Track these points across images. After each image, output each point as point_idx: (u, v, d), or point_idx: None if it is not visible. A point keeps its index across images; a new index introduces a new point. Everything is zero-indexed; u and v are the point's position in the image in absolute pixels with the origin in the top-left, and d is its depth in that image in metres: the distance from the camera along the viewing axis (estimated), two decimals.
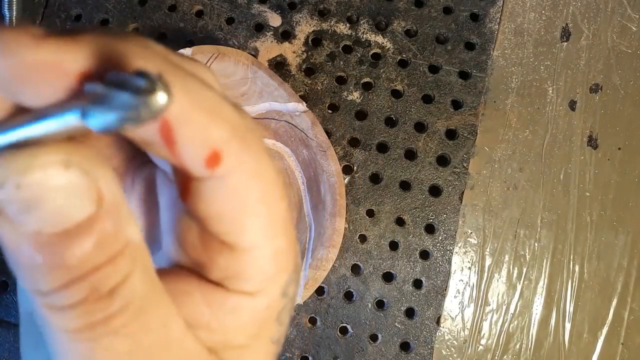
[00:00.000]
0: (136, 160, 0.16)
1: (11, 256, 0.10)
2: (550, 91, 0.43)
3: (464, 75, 0.43)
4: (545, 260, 0.41)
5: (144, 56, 0.11)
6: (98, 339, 0.11)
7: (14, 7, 0.44)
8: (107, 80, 0.10)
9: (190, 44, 0.43)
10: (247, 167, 0.12)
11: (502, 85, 0.43)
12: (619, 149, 0.42)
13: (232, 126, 0.12)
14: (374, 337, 0.40)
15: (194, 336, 0.13)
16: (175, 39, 0.44)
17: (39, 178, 0.10)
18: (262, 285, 0.14)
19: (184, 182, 0.13)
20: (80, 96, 0.11)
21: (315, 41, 0.43)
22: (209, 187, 0.12)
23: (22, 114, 0.11)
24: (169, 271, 0.14)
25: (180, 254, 0.14)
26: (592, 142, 0.42)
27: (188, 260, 0.14)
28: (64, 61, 0.10)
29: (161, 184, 0.15)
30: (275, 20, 0.44)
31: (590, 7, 0.44)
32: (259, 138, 0.13)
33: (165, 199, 0.15)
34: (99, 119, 0.10)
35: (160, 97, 0.10)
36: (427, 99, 0.42)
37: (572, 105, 0.42)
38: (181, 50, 0.35)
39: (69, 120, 0.10)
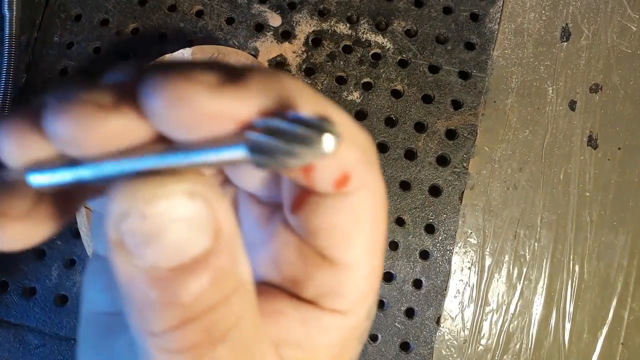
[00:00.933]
0: (219, 178, 0.16)
1: (124, 291, 0.10)
2: (550, 91, 0.43)
3: (464, 75, 0.43)
4: (545, 260, 0.41)
5: (307, 98, 0.11)
6: None
7: (14, 7, 0.44)
8: (279, 119, 0.10)
9: (190, 44, 0.43)
10: (368, 187, 0.13)
11: (502, 85, 0.43)
12: (619, 149, 0.42)
13: (362, 149, 0.12)
14: (374, 337, 0.40)
15: None
16: (175, 39, 0.44)
17: (165, 208, 0.10)
18: (354, 304, 0.14)
19: (300, 196, 0.13)
20: (242, 133, 0.10)
21: (315, 41, 0.43)
22: (329, 202, 0.12)
23: (159, 141, 0.11)
24: (261, 290, 0.14)
25: (271, 271, 0.14)
26: (592, 142, 0.42)
27: (279, 277, 0.14)
28: (237, 111, 0.10)
29: (244, 202, 0.15)
30: (275, 20, 0.44)
31: (590, 7, 0.44)
32: (376, 158, 0.13)
33: (252, 217, 0.15)
34: (269, 157, 0.10)
35: (333, 139, 0.10)
36: (427, 99, 0.42)
37: (572, 105, 0.42)
38: (181, 50, 0.35)
39: (231, 156, 0.10)
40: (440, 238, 0.41)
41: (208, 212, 0.10)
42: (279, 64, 0.43)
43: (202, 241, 0.10)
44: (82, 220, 0.34)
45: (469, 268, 0.41)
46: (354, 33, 0.43)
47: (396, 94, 0.43)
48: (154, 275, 0.10)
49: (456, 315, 0.40)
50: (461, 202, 0.41)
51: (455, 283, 0.40)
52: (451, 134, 0.42)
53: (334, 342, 0.14)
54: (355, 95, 0.42)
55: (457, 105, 0.42)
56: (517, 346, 0.40)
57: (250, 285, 0.11)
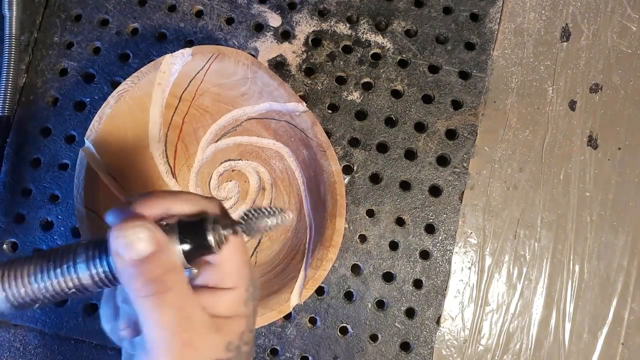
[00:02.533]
0: None
1: (120, 275, 0.22)
2: (550, 91, 0.43)
3: (464, 75, 0.43)
4: (545, 260, 0.41)
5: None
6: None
7: (14, 7, 0.44)
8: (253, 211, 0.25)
9: (190, 44, 0.43)
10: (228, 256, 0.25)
11: (502, 85, 0.43)
12: (619, 149, 0.42)
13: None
14: (374, 337, 0.40)
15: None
16: (175, 39, 0.44)
17: (134, 236, 0.22)
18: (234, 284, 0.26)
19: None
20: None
21: (315, 41, 0.43)
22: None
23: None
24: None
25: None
26: (592, 142, 0.42)
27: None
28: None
29: None
30: (275, 20, 0.44)
31: (590, 7, 0.44)
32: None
33: None
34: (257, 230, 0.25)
35: (289, 214, 0.25)
36: (427, 99, 0.42)
37: (572, 105, 0.42)
38: (181, 50, 0.35)
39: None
40: (440, 238, 0.41)
41: (152, 235, 0.22)
42: (279, 64, 0.43)
43: (150, 247, 0.22)
44: (82, 219, 0.35)
45: (469, 268, 0.41)
46: (354, 33, 0.43)
47: (396, 94, 0.43)
48: (132, 263, 0.22)
49: (456, 315, 0.40)
50: (461, 202, 0.41)
51: (455, 283, 0.40)
52: (451, 134, 0.42)
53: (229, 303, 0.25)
54: (355, 95, 0.42)
55: (457, 105, 0.42)
56: (517, 346, 0.40)
57: (181, 270, 0.23)
